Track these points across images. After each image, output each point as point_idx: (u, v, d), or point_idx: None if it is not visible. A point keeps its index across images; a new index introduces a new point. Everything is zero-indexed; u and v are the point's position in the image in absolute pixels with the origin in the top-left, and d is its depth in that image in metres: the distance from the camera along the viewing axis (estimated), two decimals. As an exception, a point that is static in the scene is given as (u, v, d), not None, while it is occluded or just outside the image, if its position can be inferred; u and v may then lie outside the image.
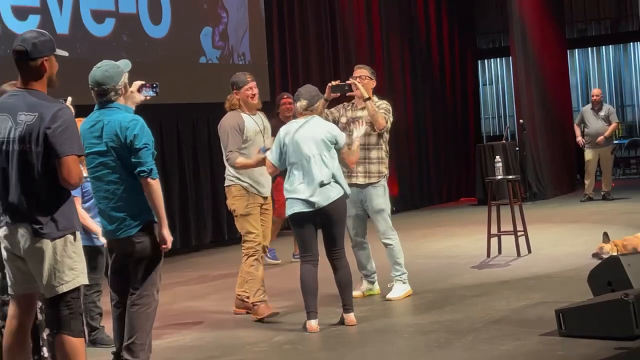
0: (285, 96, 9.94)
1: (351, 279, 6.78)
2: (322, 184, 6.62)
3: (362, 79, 7.72)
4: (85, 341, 5.66)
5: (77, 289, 4.67)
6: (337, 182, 6.70)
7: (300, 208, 6.64)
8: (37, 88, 4.66)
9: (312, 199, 6.61)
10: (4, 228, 4.69)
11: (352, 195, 7.60)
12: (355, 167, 7.51)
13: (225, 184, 7.25)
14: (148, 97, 5.54)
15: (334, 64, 14.76)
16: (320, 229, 6.74)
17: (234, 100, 7.24)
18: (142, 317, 5.26)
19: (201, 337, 6.77)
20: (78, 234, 4.72)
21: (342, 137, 6.85)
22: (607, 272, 6.17)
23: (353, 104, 7.77)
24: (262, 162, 6.90)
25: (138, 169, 5.16)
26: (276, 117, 9.54)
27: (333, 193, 6.65)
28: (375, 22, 15.90)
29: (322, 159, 6.67)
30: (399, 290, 7.68)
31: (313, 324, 6.61)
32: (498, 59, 21.78)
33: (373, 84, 7.81)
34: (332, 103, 7.71)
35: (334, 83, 7.53)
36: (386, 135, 7.80)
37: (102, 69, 5.28)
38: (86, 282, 4.78)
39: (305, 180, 6.64)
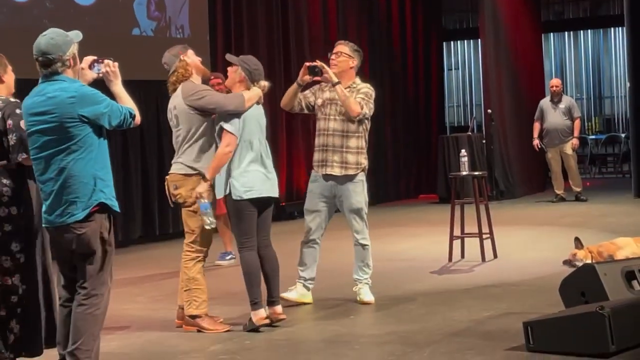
0: (212, 77, 9.34)
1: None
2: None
3: (338, 55, 7.68)
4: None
5: None
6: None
7: None
8: None
9: None
10: None
11: (323, 189, 7.64)
12: (331, 155, 7.57)
13: (181, 172, 6.95)
14: (101, 75, 5.43)
15: (284, 42, 14.78)
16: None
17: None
18: (89, 320, 5.20)
19: (128, 344, 6.74)
20: None
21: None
22: (580, 282, 6.25)
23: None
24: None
25: (116, 125, 5.24)
26: None
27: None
28: (331, -4, 15.93)
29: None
30: (369, 293, 7.74)
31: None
32: (465, 41, 21.98)
33: (352, 62, 7.71)
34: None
35: (309, 63, 7.54)
36: (367, 124, 7.75)
37: (47, 36, 5.21)
38: None
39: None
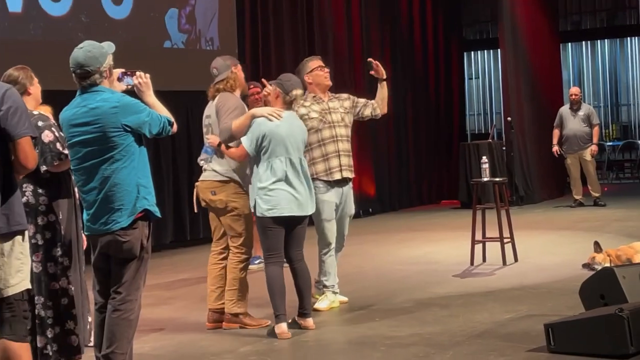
0: (252, 85, 9.58)
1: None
2: None
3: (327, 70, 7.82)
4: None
5: (21, 292, 4.65)
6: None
7: None
8: None
9: None
10: None
11: (337, 196, 7.65)
12: (344, 159, 7.61)
13: (216, 179, 7.02)
14: (130, 86, 5.39)
15: (310, 53, 14.75)
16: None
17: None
18: (123, 324, 5.20)
19: (161, 346, 6.75)
20: (26, 233, 4.69)
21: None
22: (600, 285, 6.21)
23: (314, 97, 7.69)
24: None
25: (156, 133, 5.23)
26: None
27: None
28: (355, 8, 15.92)
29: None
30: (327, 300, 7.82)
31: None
32: (485, 51, 21.90)
33: None
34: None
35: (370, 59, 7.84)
36: None
37: (84, 49, 5.18)
38: (29, 286, 4.75)
39: None
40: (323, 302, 7.69)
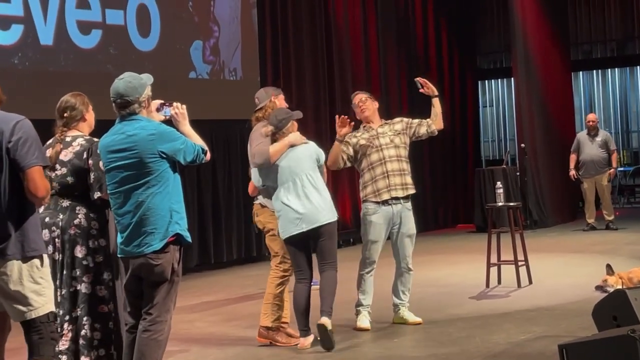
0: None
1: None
2: None
3: (364, 101, 7.89)
4: None
5: (47, 314, 4.66)
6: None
7: None
8: None
9: None
10: None
11: (385, 217, 7.70)
12: (393, 179, 7.67)
13: (258, 202, 7.36)
14: (167, 117, 5.44)
15: (329, 82, 14.81)
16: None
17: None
18: (153, 344, 5.20)
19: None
20: (45, 257, 4.69)
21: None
22: (612, 306, 6.16)
23: (364, 127, 7.86)
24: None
25: (190, 160, 5.28)
26: None
27: None
28: (372, 39, 15.96)
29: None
30: (412, 314, 7.84)
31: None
32: (499, 80, 21.84)
33: (376, 104, 8.02)
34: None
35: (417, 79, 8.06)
36: None
37: (124, 80, 5.24)
38: (54, 309, 4.75)
39: None
40: (363, 321, 7.67)
